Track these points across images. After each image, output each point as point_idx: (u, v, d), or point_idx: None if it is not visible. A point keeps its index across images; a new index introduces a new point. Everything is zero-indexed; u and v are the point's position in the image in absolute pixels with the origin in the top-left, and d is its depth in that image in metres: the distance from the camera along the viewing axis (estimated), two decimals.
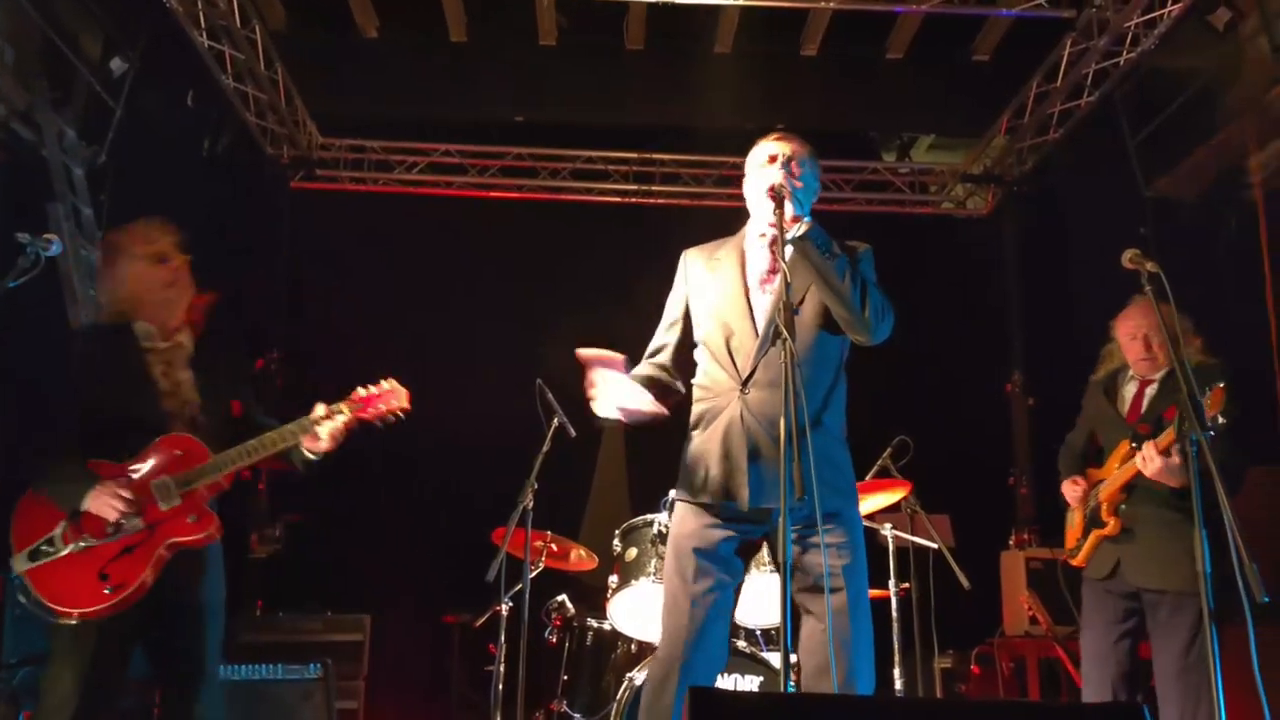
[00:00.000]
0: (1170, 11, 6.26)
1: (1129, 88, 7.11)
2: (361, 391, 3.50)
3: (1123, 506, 4.03)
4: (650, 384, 3.17)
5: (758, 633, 4.65)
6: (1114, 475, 4.03)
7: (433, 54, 8.14)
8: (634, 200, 8.53)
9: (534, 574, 4.79)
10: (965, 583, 4.99)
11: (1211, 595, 2.95)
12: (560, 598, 5.16)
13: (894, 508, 5.24)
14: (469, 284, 8.11)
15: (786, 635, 2.57)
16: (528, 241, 8.23)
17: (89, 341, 3.55)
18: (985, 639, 6.40)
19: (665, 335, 3.32)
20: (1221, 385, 3.43)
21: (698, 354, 3.22)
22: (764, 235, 3.17)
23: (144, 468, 3.27)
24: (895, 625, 4.97)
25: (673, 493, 4.42)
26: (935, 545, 5.17)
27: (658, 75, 8.20)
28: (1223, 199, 6.95)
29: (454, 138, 8.47)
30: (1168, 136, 7.14)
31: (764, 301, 3.10)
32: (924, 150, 9.27)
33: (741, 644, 4.38)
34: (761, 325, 3.06)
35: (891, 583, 5.02)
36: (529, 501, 4.53)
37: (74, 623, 3.13)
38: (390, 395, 3.52)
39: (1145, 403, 4.12)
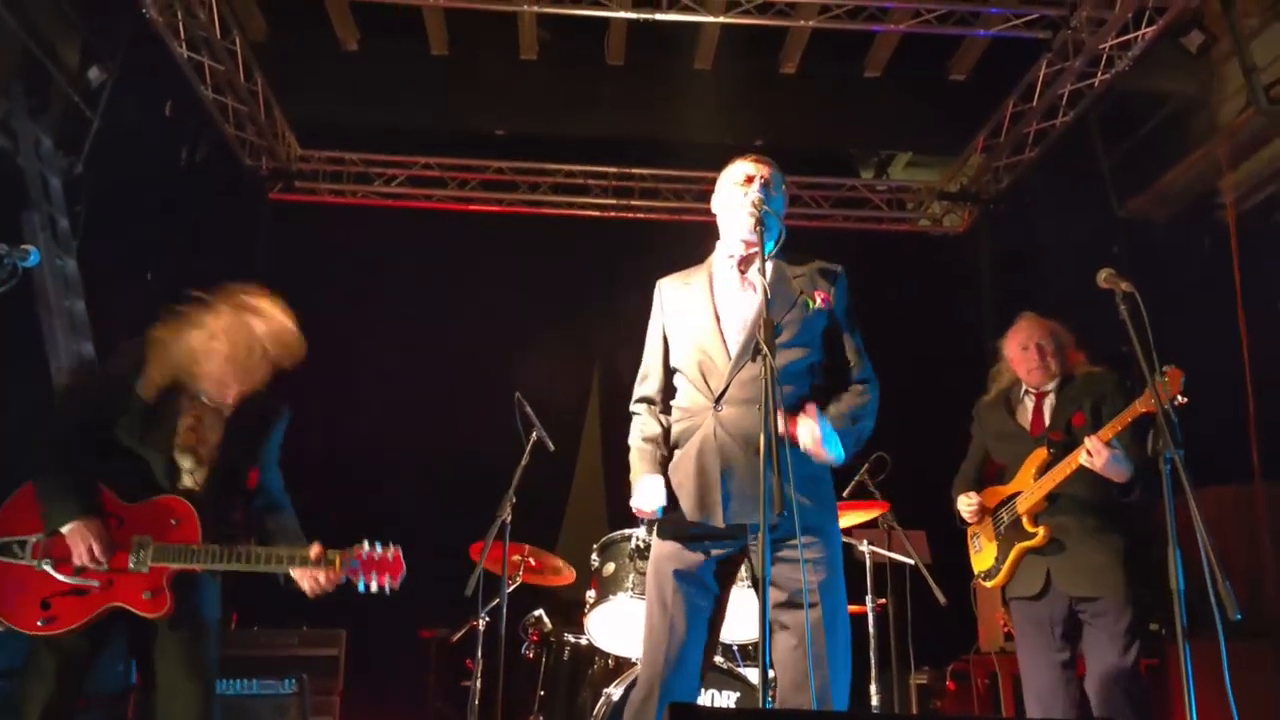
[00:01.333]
0: (1144, 34, 6.35)
1: (1104, 109, 7.20)
2: (364, 551, 3.38)
3: (1043, 516, 4.00)
4: (664, 441, 3.23)
5: (734, 648, 4.65)
6: (1035, 485, 4.00)
7: (413, 67, 8.15)
8: (614, 214, 8.55)
9: (511, 589, 4.77)
10: (941, 599, 5.00)
11: (1184, 612, 2.96)
12: (537, 613, 5.15)
13: (871, 524, 5.26)
14: (447, 297, 8.10)
15: (765, 651, 2.58)
16: (507, 255, 8.22)
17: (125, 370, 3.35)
18: (961, 655, 6.42)
19: (650, 364, 3.34)
20: (1173, 366, 3.44)
21: (676, 378, 3.25)
22: (731, 256, 3.21)
23: (136, 518, 3.21)
24: (872, 641, 4.98)
25: None
26: (912, 561, 5.19)
27: (638, 91, 8.23)
28: (1195, 219, 7.04)
29: (434, 150, 8.47)
30: (1141, 157, 7.23)
31: (733, 320, 3.13)
32: (901, 168, 9.34)
33: (718, 659, 4.37)
34: (732, 344, 3.09)
35: (868, 598, 5.04)
36: (507, 515, 4.51)
37: None
38: (390, 569, 3.40)
39: (1047, 412, 4.14)
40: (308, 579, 3.33)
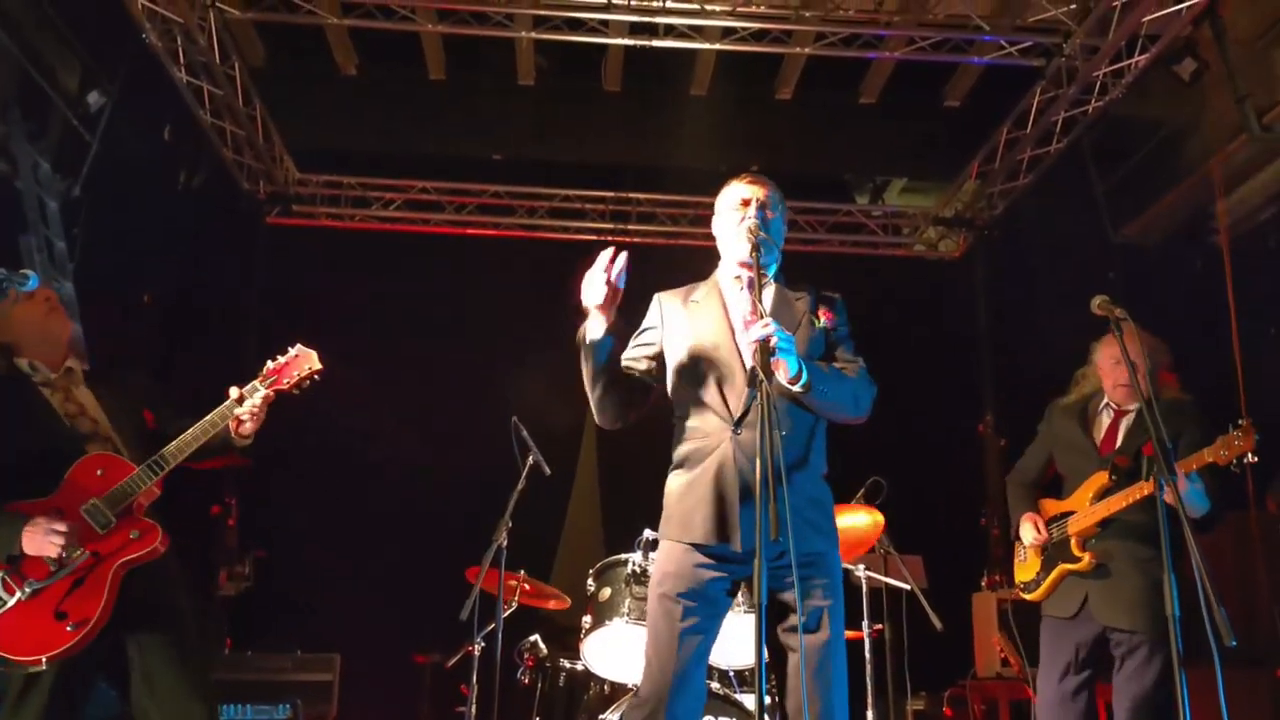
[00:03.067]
0: (1137, 62, 6.40)
1: (1097, 135, 7.26)
2: (271, 364, 3.48)
3: (1092, 541, 3.94)
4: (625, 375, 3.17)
5: (731, 674, 4.63)
6: (1091, 509, 3.92)
7: (411, 92, 8.20)
8: (610, 239, 8.55)
9: (507, 613, 4.75)
10: (938, 624, 4.98)
11: (1180, 637, 2.95)
12: (533, 638, 5.12)
13: (867, 548, 5.24)
14: (444, 321, 8.10)
15: (761, 677, 2.57)
16: (504, 279, 8.24)
17: None
18: (957, 680, 6.40)
19: (639, 352, 3.25)
20: (1248, 419, 3.42)
21: (679, 394, 3.19)
22: (739, 278, 3.18)
23: (67, 497, 3.19)
24: (868, 666, 4.96)
25: (648, 533, 4.43)
26: (908, 586, 5.17)
27: (634, 116, 8.29)
28: (1189, 245, 7.08)
29: (431, 175, 8.50)
30: (1135, 183, 7.27)
31: (746, 343, 3.10)
32: (897, 193, 9.39)
33: (715, 685, 4.35)
34: (747, 368, 3.06)
35: (865, 624, 5.01)
36: (503, 540, 4.50)
37: (43, 669, 3.06)
38: (300, 360, 3.51)
39: (1121, 435, 4.02)
40: (246, 413, 3.36)
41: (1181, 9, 5.95)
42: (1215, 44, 6.20)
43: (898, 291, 8.49)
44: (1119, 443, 4.01)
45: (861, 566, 5.11)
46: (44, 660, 3.06)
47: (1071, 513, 4.03)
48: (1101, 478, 3.93)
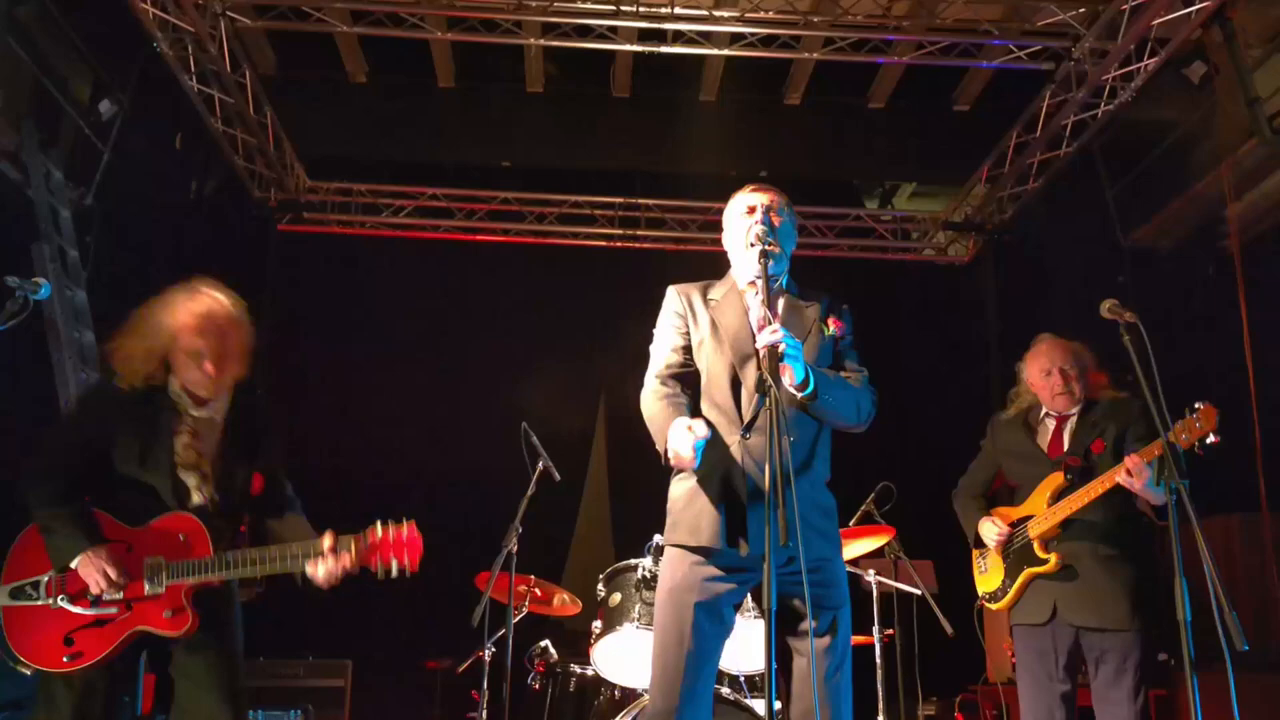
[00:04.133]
0: (1147, 65, 6.39)
1: (1107, 139, 7.23)
2: (378, 531, 3.30)
3: (1055, 542, 3.94)
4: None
5: (741, 679, 4.63)
6: (1050, 510, 3.94)
7: (421, 99, 8.24)
8: (620, 244, 8.59)
9: (517, 619, 4.76)
10: (949, 629, 4.97)
11: (1192, 642, 2.95)
12: (543, 643, 5.12)
13: (877, 553, 5.24)
14: (455, 327, 8.13)
15: (771, 682, 2.57)
16: (514, 285, 8.26)
17: (114, 395, 3.29)
18: (969, 686, 6.38)
19: (676, 355, 3.20)
20: (1207, 403, 3.43)
21: (700, 397, 3.18)
22: (754, 284, 3.17)
23: (144, 541, 3.17)
24: (879, 672, 4.95)
25: (658, 538, 4.42)
26: (919, 591, 5.16)
27: (643, 122, 8.31)
28: (1200, 249, 7.05)
29: (441, 182, 8.53)
30: (1145, 187, 7.25)
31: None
32: (906, 198, 9.39)
33: (725, 691, 4.35)
34: (756, 375, 3.06)
35: (875, 629, 5.00)
36: (513, 545, 4.51)
37: (28, 673, 3.08)
38: (406, 549, 3.30)
39: (1067, 437, 4.07)
40: (324, 578, 3.22)
41: (1191, 12, 5.94)
42: (1225, 47, 6.18)
43: (908, 296, 8.49)
44: (1066, 445, 4.06)
45: (872, 572, 5.10)
46: (30, 669, 3.07)
47: (1029, 518, 4.05)
48: (1057, 478, 3.97)
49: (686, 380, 3.17)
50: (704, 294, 3.26)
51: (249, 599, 7.28)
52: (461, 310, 8.18)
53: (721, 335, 3.13)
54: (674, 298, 3.29)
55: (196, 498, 3.24)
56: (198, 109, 6.89)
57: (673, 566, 3.07)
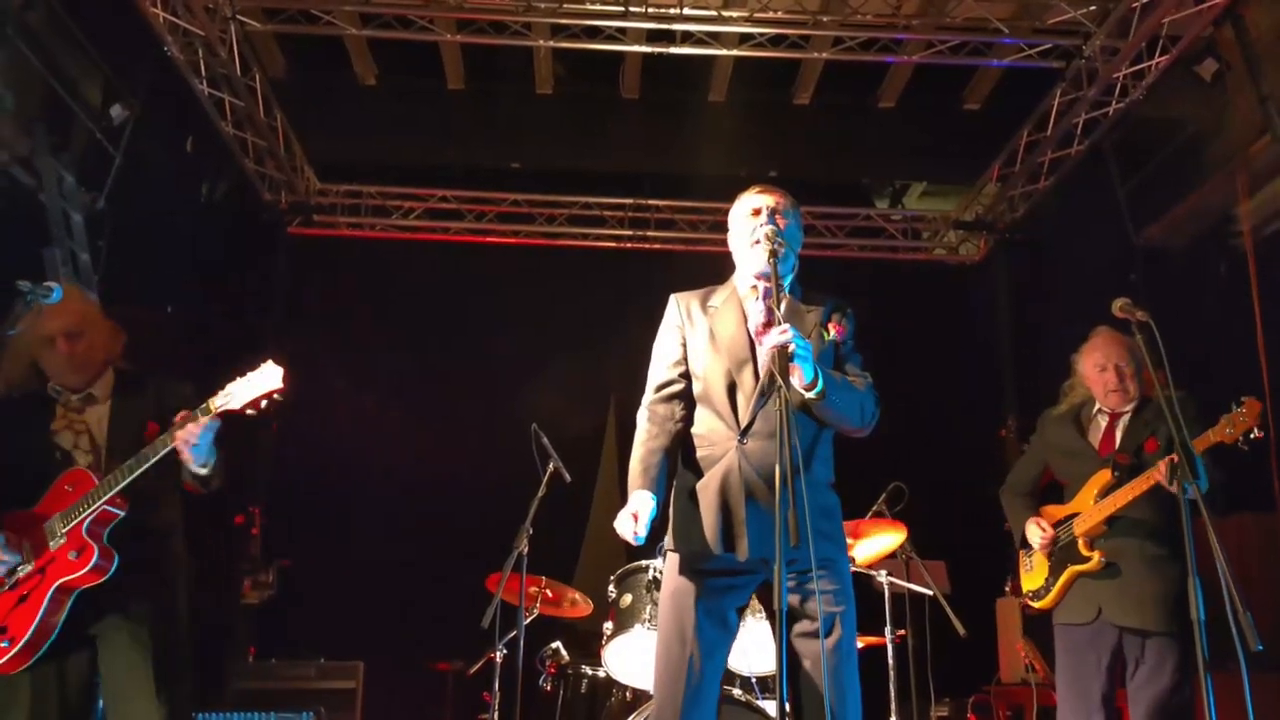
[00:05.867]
0: (1158, 63, 6.37)
1: (1118, 137, 7.21)
2: (229, 386, 3.27)
3: (1100, 540, 3.90)
4: (669, 452, 3.16)
5: (753, 680, 4.62)
6: (1096, 507, 3.89)
7: (430, 102, 8.25)
8: (629, 245, 8.59)
9: (528, 620, 4.76)
10: (961, 630, 4.95)
11: (1206, 642, 2.93)
12: (555, 645, 5.12)
13: (889, 554, 5.22)
14: (465, 328, 8.14)
15: (782, 683, 2.56)
16: (524, 286, 8.27)
17: None
18: (982, 687, 6.36)
19: (671, 371, 3.22)
20: (1251, 398, 3.40)
21: (697, 402, 3.19)
22: (755, 287, 3.18)
23: (44, 512, 3.23)
24: (892, 673, 4.93)
25: (667, 540, 4.43)
26: (931, 592, 5.15)
27: (652, 123, 8.31)
28: (1212, 247, 7.02)
29: (451, 184, 8.54)
30: (1157, 185, 7.22)
31: (763, 352, 3.09)
32: (916, 197, 9.36)
33: (736, 692, 4.35)
34: (762, 375, 3.06)
35: (888, 630, 4.99)
36: (524, 547, 4.51)
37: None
38: (261, 379, 3.23)
39: (1119, 434, 4.00)
40: (181, 441, 3.17)
41: (1202, 9, 5.91)
42: (1236, 44, 6.15)
43: (918, 296, 8.47)
44: (1118, 443, 3.99)
45: (884, 572, 5.09)
46: None
47: (1076, 514, 3.99)
48: (1105, 475, 3.91)
49: (681, 397, 3.19)
50: (704, 301, 3.27)
51: (261, 601, 7.33)
52: (472, 312, 8.19)
53: (718, 341, 3.14)
54: (672, 307, 3.32)
55: (82, 460, 3.33)
56: (208, 112, 6.91)
57: (674, 571, 3.10)
